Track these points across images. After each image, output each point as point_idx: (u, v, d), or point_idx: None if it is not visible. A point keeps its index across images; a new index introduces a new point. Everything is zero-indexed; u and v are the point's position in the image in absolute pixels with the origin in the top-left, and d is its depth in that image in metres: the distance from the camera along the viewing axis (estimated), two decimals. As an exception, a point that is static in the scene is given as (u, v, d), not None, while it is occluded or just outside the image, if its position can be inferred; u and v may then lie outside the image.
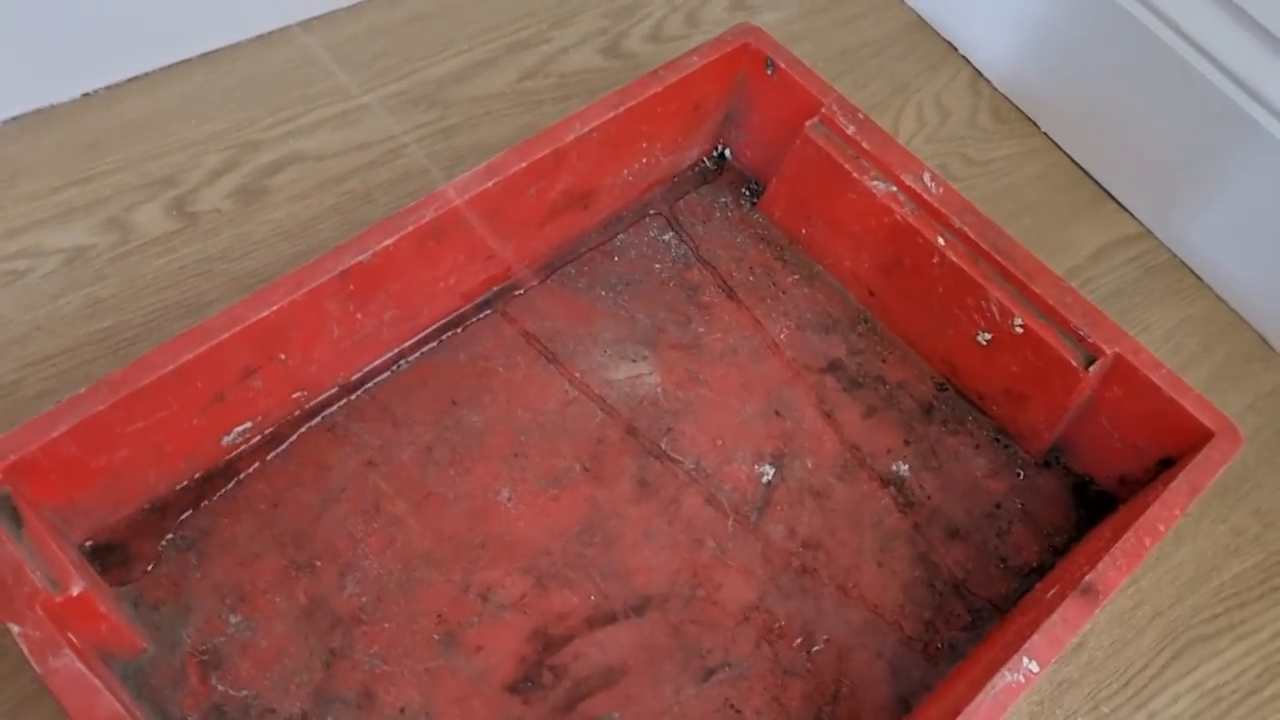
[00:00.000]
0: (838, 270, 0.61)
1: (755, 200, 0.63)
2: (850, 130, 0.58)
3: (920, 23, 0.74)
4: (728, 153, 0.64)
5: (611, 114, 0.55)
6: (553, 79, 0.66)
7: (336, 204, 0.60)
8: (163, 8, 0.60)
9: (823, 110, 0.58)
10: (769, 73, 0.60)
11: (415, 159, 0.62)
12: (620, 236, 0.61)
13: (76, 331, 0.54)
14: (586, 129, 0.55)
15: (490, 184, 0.52)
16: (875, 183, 0.57)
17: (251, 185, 0.60)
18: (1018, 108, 0.71)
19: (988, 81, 0.72)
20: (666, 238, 0.61)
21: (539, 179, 0.54)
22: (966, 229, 0.55)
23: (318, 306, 0.48)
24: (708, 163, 0.64)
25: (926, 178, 0.56)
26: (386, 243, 0.50)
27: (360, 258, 0.48)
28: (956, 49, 0.73)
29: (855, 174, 0.57)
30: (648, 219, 0.62)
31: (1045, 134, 0.70)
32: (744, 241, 0.62)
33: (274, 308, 0.47)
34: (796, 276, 0.61)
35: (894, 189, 0.57)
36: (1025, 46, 0.70)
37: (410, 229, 0.50)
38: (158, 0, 0.60)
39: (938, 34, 0.73)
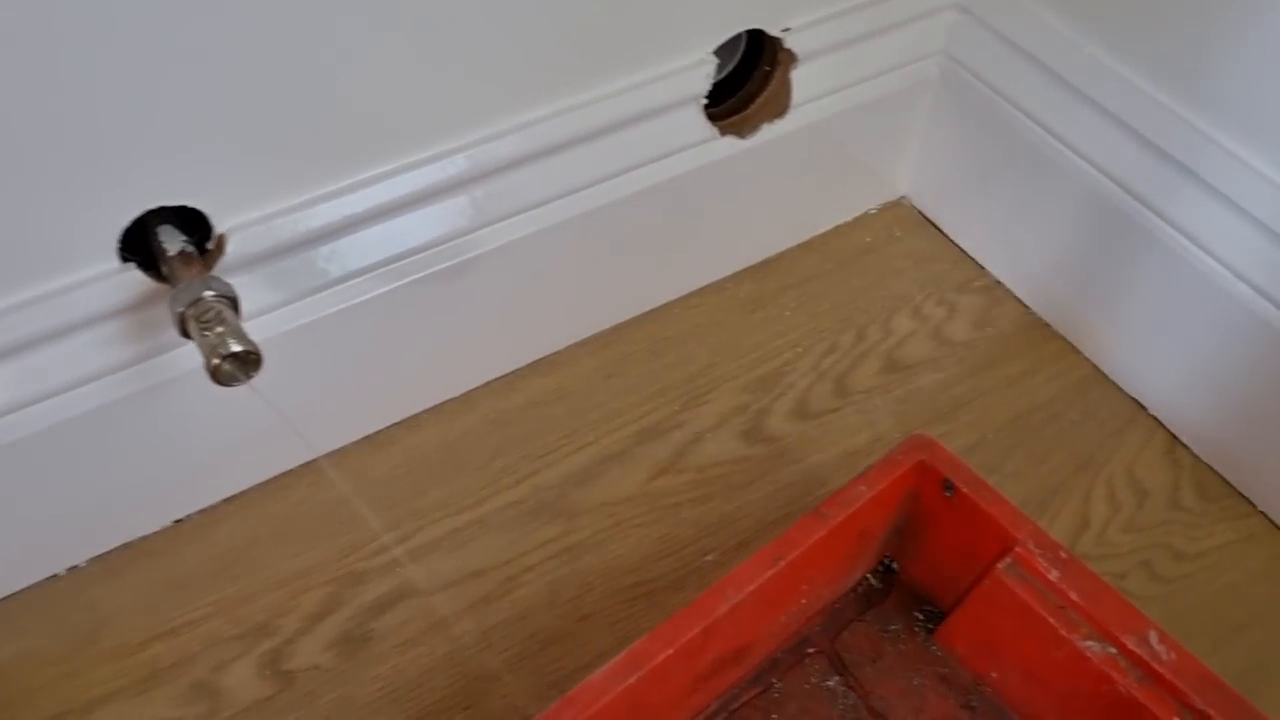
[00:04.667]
0: (1039, 724, 0.51)
1: (931, 625, 0.54)
2: (1053, 575, 0.48)
3: (1099, 376, 0.65)
4: (895, 565, 0.56)
5: (770, 571, 0.47)
6: (689, 474, 0.59)
7: (449, 653, 0.52)
8: (260, 420, 0.55)
9: (1017, 549, 0.49)
10: (947, 494, 0.51)
11: (537, 590, 0.54)
12: (778, 684, 0.52)
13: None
14: (741, 595, 0.47)
15: (632, 679, 0.44)
16: (1089, 643, 0.47)
17: (354, 631, 0.53)
18: (1226, 480, 0.61)
19: (1186, 447, 0.62)
20: (831, 684, 0.52)
21: (687, 658, 0.46)
22: (1210, 710, 0.45)
23: None
24: (873, 580, 0.56)
25: (1153, 639, 0.47)
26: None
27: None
28: (1145, 407, 0.64)
29: (1063, 630, 0.48)
30: (807, 659, 0.53)
31: (1264, 514, 0.60)
32: (922, 684, 0.52)
33: None
34: (989, 732, 0.51)
35: (1113, 651, 0.47)
36: (1226, 403, 0.60)
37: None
38: (255, 414, 0.54)
39: (1121, 389, 0.64)
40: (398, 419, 0.60)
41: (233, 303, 0.46)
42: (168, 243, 0.47)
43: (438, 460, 0.59)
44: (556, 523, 0.57)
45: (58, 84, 0.40)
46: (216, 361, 0.44)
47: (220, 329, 0.44)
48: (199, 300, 0.45)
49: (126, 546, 0.55)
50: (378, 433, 0.60)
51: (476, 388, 0.62)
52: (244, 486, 0.57)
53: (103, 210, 0.45)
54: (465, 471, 0.58)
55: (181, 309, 0.45)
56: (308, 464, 0.58)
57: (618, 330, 0.65)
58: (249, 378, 0.44)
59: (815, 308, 0.67)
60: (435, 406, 0.61)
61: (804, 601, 0.52)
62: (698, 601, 0.46)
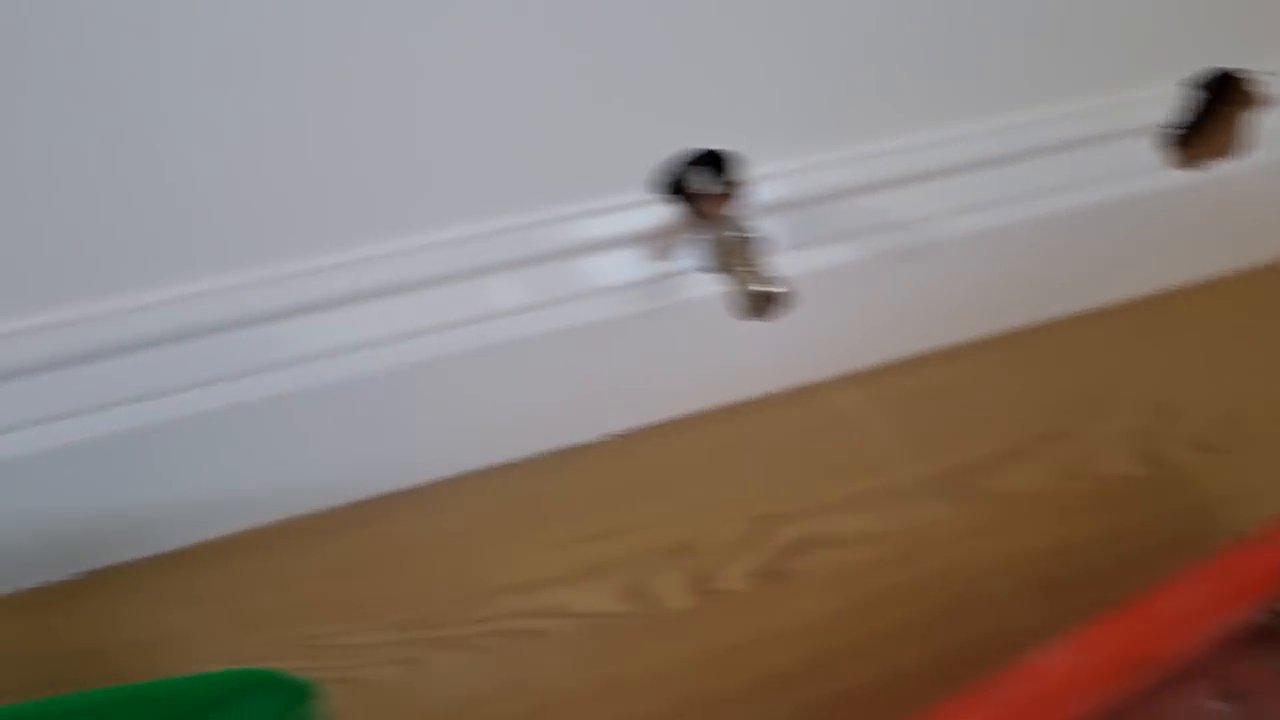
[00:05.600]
0: None
1: (1324, 675, 0.55)
2: None
3: None
4: (1290, 610, 0.57)
5: (1202, 587, 0.49)
6: (1086, 483, 0.61)
7: (855, 605, 0.56)
8: (719, 357, 0.60)
9: None
10: (1380, 552, 0.52)
11: (937, 564, 0.57)
12: (1168, 700, 0.54)
13: (590, 714, 0.52)
14: (1175, 605, 0.49)
15: (1079, 659, 0.47)
16: None
17: (771, 567, 0.57)
18: None
19: None
20: (1219, 707, 0.54)
21: (1119, 650, 0.49)
22: None
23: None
24: (1266, 620, 0.57)
25: None
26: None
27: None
28: None
29: None
30: (1199, 681, 0.55)
31: None
32: (1313, 730, 0.54)
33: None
34: (1379, 788, 0.52)
35: None
36: None
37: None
38: (721, 350, 0.59)
39: None
40: (820, 379, 0.64)
41: (758, 244, 0.50)
42: (703, 182, 0.52)
43: (846, 428, 0.62)
44: (962, 504, 0.60)
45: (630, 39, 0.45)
46: (754, 295, 0.48)
47: (753, 268, 0.49)
48: (731, 238, 0.50)
49: (572, 448, 0.60)
50: (807, 386, 0.64)
51: (885, 363, 0.65)
52: (669, 416, 0.62)
53: (649, 147, 0.50)
54: (882, 439, 0.62)
55: (715, 244, 0.50)
56: (737, 404, 0.63)
57: (1025, 333, 0.67)
58: (776, 316, 0.49)
59: (1215, 346, 0.68)
60: (850, 374, 0.64)
61: (1215, 625, 0.54)
62: (1146, 601, 0.49)
